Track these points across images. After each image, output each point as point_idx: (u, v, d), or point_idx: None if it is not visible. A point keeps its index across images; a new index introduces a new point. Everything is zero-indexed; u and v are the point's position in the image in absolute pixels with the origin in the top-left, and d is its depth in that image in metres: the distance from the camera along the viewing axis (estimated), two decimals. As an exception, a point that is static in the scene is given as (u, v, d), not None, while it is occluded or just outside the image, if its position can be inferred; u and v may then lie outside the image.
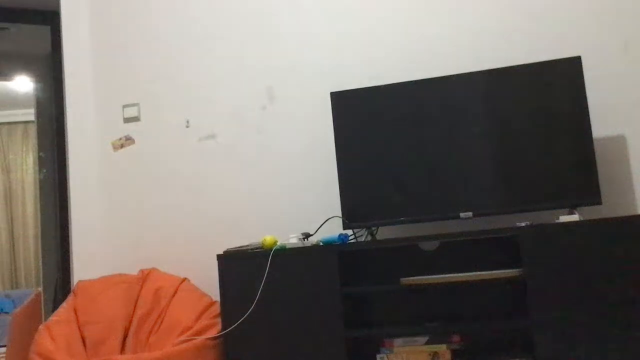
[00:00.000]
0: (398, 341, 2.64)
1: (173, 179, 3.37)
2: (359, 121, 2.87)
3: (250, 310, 2.70)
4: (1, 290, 7.05)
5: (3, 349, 4.32)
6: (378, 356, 2.66)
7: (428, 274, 2.66)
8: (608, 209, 2.74)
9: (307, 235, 2.86)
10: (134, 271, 3.17)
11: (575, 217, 2.53)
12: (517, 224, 2.56)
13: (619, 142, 2.83)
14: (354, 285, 2.75)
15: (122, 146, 3.47)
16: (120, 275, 3.16)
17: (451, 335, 2.62)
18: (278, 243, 2.78)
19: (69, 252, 3.39)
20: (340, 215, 2.86)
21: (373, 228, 2.87)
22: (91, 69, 3.54)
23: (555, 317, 2.42)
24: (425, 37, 3.11)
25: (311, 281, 2.67)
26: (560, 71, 2.69)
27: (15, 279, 7.23)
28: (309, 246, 2.76)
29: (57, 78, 3.58)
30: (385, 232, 2.94)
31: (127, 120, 3.48)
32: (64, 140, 3.48)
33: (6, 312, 6.39)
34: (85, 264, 3.33)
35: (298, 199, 3.17)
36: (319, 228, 2.93)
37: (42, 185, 3.91)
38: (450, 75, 2.82)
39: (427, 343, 2.62)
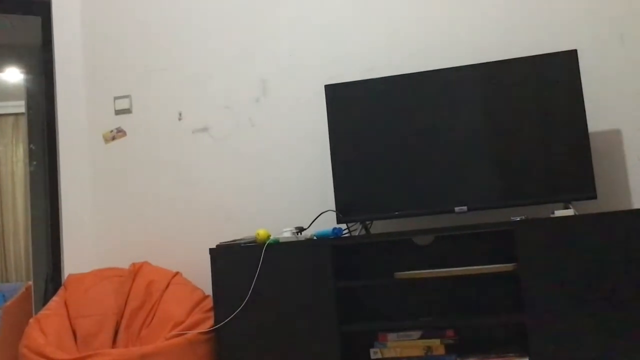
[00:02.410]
0: (392, 335, 2.64)
1: (165, 172, 3.35)
2: (353, 114, 2.86)
3: (242, 304, 2.68)
4: (-9, 283, 7.01)
5: (-7, 343, 4.29)
6: (372, 350, 2.66)
7: (422, 269, 2.66)
8: (603, 203, 2.74)
9: (300, 229, 2.85)
10: (125, 265, 3.14)
11: (570, 212, 2.53)
12: (512, 218, 2.55)
13: (614, 137, 2.83)
14: (347, 280, 2.74)
15: (113, 138, 3.44)
16: (111, 268, 3.15)
17: (445, 329, 2.62)
18: (271, 237, 2.77)
19: (59, 245, 3.37)
20: (334, 209, 2.85)
21: (367, 222, 2.86)
22: (82, 61, 3.51)
23: (550, 311, 2.42)
24: (420, 29, 3.09)
25: (305, 275, 2.66)
26: (556, 64, 2.69)
27: (5, 272, 7.19)
28: (302, 240, 2.75)
29: (48, 70, 3.54)
30: (379, 226, 2.93)
31: (119, 112, 3.45)
32: (55, 133, 3.45)
33: (-4, 306, 6.35)
34: (76, 257, 3.31)
35: (292, 192, 3.16)
36: (312, 222, 2.92)
37: (33, 178, 3.87)
38: (446, 69, 2.81)
39: (421, 337, 2.62)
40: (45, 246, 3.66)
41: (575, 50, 2.67)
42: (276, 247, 2.71)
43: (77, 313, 2.89)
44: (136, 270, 3.06)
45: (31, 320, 2.82)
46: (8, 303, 4.14)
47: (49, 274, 3.56)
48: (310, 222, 2.93)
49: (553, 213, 2.53)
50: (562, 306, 2.41)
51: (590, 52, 2.86)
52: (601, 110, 2.83)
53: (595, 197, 2.60)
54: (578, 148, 2.63)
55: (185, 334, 2.69)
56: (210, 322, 2.76)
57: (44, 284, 3.67)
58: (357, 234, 2.91)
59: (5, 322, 3.85)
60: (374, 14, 3.15)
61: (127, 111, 3.44)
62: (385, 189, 2.79)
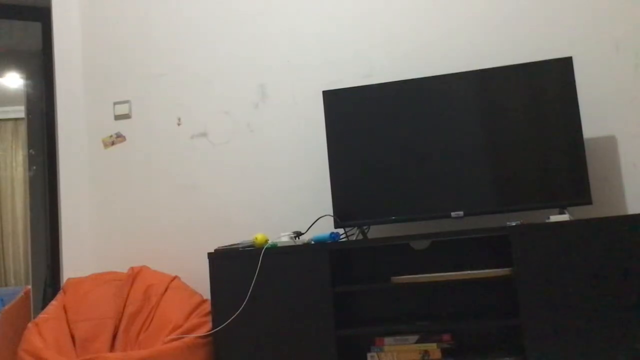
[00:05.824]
0: (389, 340, 2.65)
1: (164, 177, 3.36)
2: (351, 120, 2.88)
3: (240, 308, 2.69)
4: (-10, 288, 7.01)
5: (-9, 347, 4.29)
6: (369, 355, 2.67)
7: (419, 273, 2.67)
8: (598, 209, 2.76)
9: (298, 234, 2.86)
10: (124, 269, 3.15)
11: (565, 217, 2.54)
12: (508, 223, 2.56)
13: (609, 143, 2.85)
14: (345, 284, 2.75)
15: (112, 143, 3.45)
16: (110, 273, 3.15)
17: (442, 334, 2.62)
18: (269, 241, 2.77)
19: (58, 249, 3.38)
20: (331, 213, 2.86)
21: (364, 227, 2.87)
22: (82, 66, 3.53)
23: (545, 316, 2.43)
24: (417, 36, 3.11)
25: (302, 280, 2.67)
26: (552, 71, 2.70)
27: (4, 276, 7.19)
28: (300, 245, 2.76)
29: (48, 75, 3.56)
30: (376, 231, 2.94)
31: (118, 117, 3.46)
32: (54, 138, 3.46)
33: (-5, 310, 6.34)
34: (75, 262, 3.32)
35: (290, 197, 3.17)
36: (310, 226, 2.93)
37: (32, 183, 3.88)
38: (442, 75, 2.83)
39: (417, 342, 2.62)
40: (44, 250, 3.67)
41: (571, 58, 2.68)
42: (274, 252, 2.72)
43: (75, 317, 2.89)
44: (135, 274, 3.07)
45: (30, 324, 2.82)
46: (7, 307, 4.14)
47: (48, 278, 3.58)
48: (308, 227, 2.94)
49: (548, 218, 2.54)
50: (557, 311, 2.42)
51: (585, 59, 2.89)
52: (596, 116, 2.85)
53: (590, 203, 2.61)
54: (573, 154, 2.64)
55: (183, 337, 2.70)
56: (208, 326, 2.77)
57: (42, 288, 3.68)
58: (354, 238, 2.92)
59: (4, 326, 3.86)
60: (372, 21, 3.17)
61: (126, 116, 3.45)
62: (382, 193, 2.80)
